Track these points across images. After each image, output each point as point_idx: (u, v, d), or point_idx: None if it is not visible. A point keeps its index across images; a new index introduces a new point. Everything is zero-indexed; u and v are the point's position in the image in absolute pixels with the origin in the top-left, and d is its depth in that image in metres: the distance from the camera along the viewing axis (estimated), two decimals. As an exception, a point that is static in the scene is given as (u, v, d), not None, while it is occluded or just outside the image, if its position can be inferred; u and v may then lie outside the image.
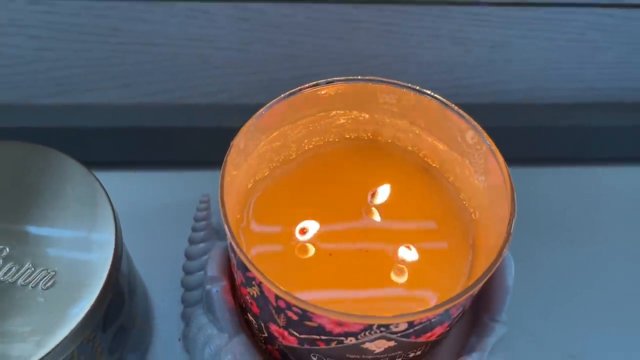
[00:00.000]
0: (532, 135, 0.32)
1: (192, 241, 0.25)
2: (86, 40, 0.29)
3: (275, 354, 0.21)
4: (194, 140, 0.31)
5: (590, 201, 0.32)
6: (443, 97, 0.21)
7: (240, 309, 0.22)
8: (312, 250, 0.21)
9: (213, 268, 0.22)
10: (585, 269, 0.30)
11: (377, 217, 0.22)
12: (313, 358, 0.19)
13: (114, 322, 0.21)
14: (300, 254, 0.21)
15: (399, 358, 0.19)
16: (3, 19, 0.27)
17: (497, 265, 0.17)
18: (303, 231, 0.21)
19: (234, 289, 0.22)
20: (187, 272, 0.25)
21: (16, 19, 0.27)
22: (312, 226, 0.21)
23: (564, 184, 0.33)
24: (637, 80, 0.32)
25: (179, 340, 0.27)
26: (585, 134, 0.32)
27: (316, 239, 0.21)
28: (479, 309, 0.23)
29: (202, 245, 0.25)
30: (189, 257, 0.25)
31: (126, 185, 0.27)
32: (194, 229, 0.25)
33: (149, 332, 0.26)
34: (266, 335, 0.20)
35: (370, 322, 0.16)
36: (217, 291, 0.21)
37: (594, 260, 0.30)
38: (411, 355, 0.19)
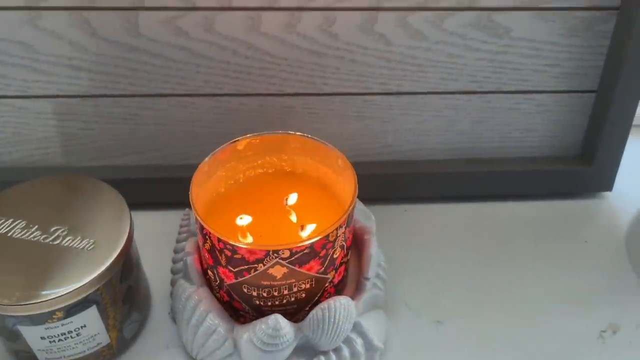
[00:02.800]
0: (417, 181, 0.47)
1: (177, 240, 0.39)
2: (114, 122, 0.44)
3: (224, 297, 0.34)
4: (181, 187, 0.45)
5: (456, 224, 0.46)
6: (332, 146, 0.36)
7: (204, 272, 0.35)
8: (248, 236, 0.34)
9: (189, 246, 0.35)
10: (455, 265, 0.43)
11: (292, 214, 0.36)
12: (244, 289, 0.32)
13: (127, 279, 0.35)
14: (242, 237, 0.35)
15: (295, 287, 0.32)
16: (63, 110, 0.43)
17: (339, 222, 0.31)
18: (241, 220, 0.35)
19: (200, 261, 0.35)
20: (175, 261, 0.38)
21: (72, 110, 0.43)
22: (248, 218, 0.35)
23: (438, 214, 0.47)
24: (484, 142, 0.47)
25: (169, 313, 0.39)
26: (453, 180, 0.47)
27: (251, 226, 0.35)
28: (359, 275, 0.36)
29: (183, 243, 0.38)
30: (176, 251, 0.39)
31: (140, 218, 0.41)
32: (179, 233, 0.39)
33: (148, 304, 0.39)
34: (218, 281, 0.33)
35: (266, 248, 0.30)
36: (190, 259, 0.35)
37: (448, 252, 0.43)
38: (303, 286, 0.32)
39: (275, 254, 0.30)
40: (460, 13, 0.41)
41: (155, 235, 0.42)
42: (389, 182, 0.47)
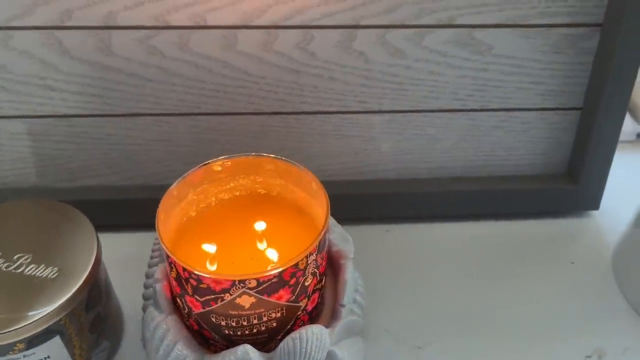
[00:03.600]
0: (400, 200, 0.46)
1: (149, 265, 0.38)
2: (89, 142, 0.43)
3: (194, 326, 0.33)
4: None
5: (440, 245, 0.45)
6: (311, 171, 0.35)
7: (173, 300, 0.34)
8: (216, 264, 0.33)
9: (158, 273, 0.34)
10: (438, 289, 0.42)
11: (263, 240, 0.35)
12: (213, 319, 0.31)
13: (94, 307, 0.34)
14: (210, 264, 0.34)
15: (265, 317, 0.31)
16: (37, 131, 0.42)
17: (309, 249, 0.30)
18: (210, 246, 0.34)
19: (170, 290, 0.34)
20: (146, 286, 0.37)
21: (46, 130, 0.42)
22: (214, 246, 0.34)
23: (421, 234, 0.46)
24: (468, 161, 0.46)
25: (141, 340, 0.38)
26: (436, 199, 0.46)
27: (221, 253, 0.34)
28: (334, 301, 0.35)
29: (155, 268, 0.37)
30: (147, 276, 0.38)
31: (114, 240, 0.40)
32: (151, 257, 0.38)
33: (120, 331, 0.38)
34: (186, 310, 0.32)
35: (232, 278, 0.29)
36: (159, 286, 0.34)
37: (431, 274, 0.42)
38: (274, 315, 0.31)
39: (241, 284, 0.29)
40: (440, 30, 0.40)
41: (129, 258, 0.41)
42: (370, 201, 0.46)
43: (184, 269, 0.29)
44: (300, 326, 0.33)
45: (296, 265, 0.30)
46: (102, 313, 0.35)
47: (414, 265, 0.43)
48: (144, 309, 0.36)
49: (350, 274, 0.35)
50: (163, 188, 0.45)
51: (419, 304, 0.41)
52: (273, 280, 0.29)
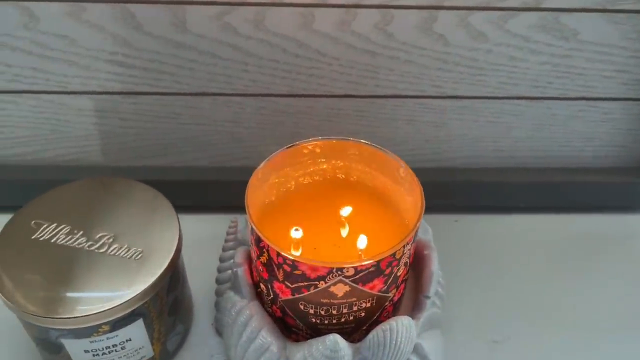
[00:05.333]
0: (469, 190, 0.44)
1: (224, 249, 0.37)
2: (155, 121, 0.42)
3: (277, 313, 0.32)
4: (224, 190, 0.43)
5: (511, 237, 0.44)
6: (394, 154, 0.34)
7: (254, 285, 0.33)
8: (300, 249, 0.32)
9: (239, 257, 0.33)
10: (512, 281, 0.41)
11: (346, 226, 0.34)
12: (301, 307, 0.30)
13: (173, 291, 0.33)
14: (294, 249, 0.33)
15: (355, 306, 0.30)
16: (103, 107, 0.41)
17: (407, 239, 0.29)
18: (296, 232, 0.33)
19: (251, 273, 0.33)
20: (220, 270, 0.36)
21: (112, 107, 0.41)
22: (301, 231, 0.33)
23: (491, 226, 0.44)
24: (542, 151, 0.45)
25: (212, 324, 0.37)
26: (507, 190, 0.44)
27: (304, 238, 0.33)
28: (417, 292, 0.34)
29: (231, 251, 0.36)
30: (222, 259, 0.37)
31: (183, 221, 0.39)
32: (226, 241, 0.37)
33: (191, 315, 0.37)
34: (272, 296, 0.31)
35: (330, 265, 0.27)
36: (241, 271, 0.33)
37: (502, 266, 0.41)
38: (364, 305, 0.30)
39: (339, 272, 0.28)
40: (525, 13, 0.39)
41: (196, 240, 0.40)
42: (439, 190, 0.44)
43: (278, 254, 0.28)
44: (385, 317, 0.32)
45: (393, 254, 0.29)
46: (179, 297, 0.34)
47: (484, 257, 0.42)
48: (219, 293, 0.36)
49: (436, 265, 0.34)
50: (228, 170, 0.45)
51: (492, 296, 0.40)
52: (370, 269, 0.28)
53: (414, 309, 0.34)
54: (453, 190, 0.45)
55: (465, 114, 0.43)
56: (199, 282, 0.38)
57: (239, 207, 0.40)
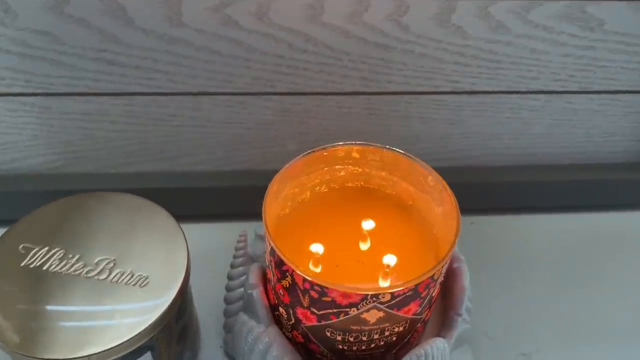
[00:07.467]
0: (485, 190, 0.42)
1: (233, 266, 0.34)
2: (149, 124, 0.39)
3: (298, 338, 0.29)
4: (226, 197, 0.40)
5: (531, 239, 0.41)
6: (422, 162, 0.31)
7: (271, 307, 0.30)
8: (320, 266, 0.29)
9: (253, 277, 0.30)
10: (535, 287, 0.38)
11: (367, 240, 0.31)
12: (327, 334, 0.27)
13: (181, 318, 0.29)
14: (314, 266, 0.30)
15: (387, 331, 0.27)
16: (91, 110, 0.37)
17: (446, 259, 0.26)
18: (316, 247, 0.30)
19: (266, 293, 0.30)
20: (229, 289, 0.33)
21: (101, 109, 0.38)
22: (321, 247, 0.30)
23: (510, 228, 0.42)
24: (561, 147, 0.42)
25: (221, 347, 0.34)
26: (525, 189, 0.42)
27: (325, 255, 0.30)
28: (446, 308, 0.32)
29: (241, 268, 0.33)
30: (230, 278, 0.34)
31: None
32: (235, 257, 0.34)
33: (198, 339, 0.34)
34: (293, 321, 0.28)
35: (366, 292, 0.25)
36: (256, 293, 0.30)
37: (524, 271, 0.39)
38: (396, 330, 0.27)
39: (373, 298, 0.25)
40: (549, 3, 0.36)
41: (198, 253, 0.36)
42: (453, 190, 0.42)
43: (305, 280, 0.26)
44: (415, 337, 0.30)
45: (432, 276, 0.26)
46: (187, 323, 0.31)
47: (503, 261, 0.40)
48: (229, 314, 0.33)
49: (467, 280, 0.31)
50: (230, 175, 0.41)
51: (516, 304, 0.37)
52: (407, 294, 0.26)
53: (445, 326, 0.31)
54: (469, 190, 0.42)
55: (482, 110, 0.40)
56: (204, 299, 0.35)
57: (242, 214, 0.37)
